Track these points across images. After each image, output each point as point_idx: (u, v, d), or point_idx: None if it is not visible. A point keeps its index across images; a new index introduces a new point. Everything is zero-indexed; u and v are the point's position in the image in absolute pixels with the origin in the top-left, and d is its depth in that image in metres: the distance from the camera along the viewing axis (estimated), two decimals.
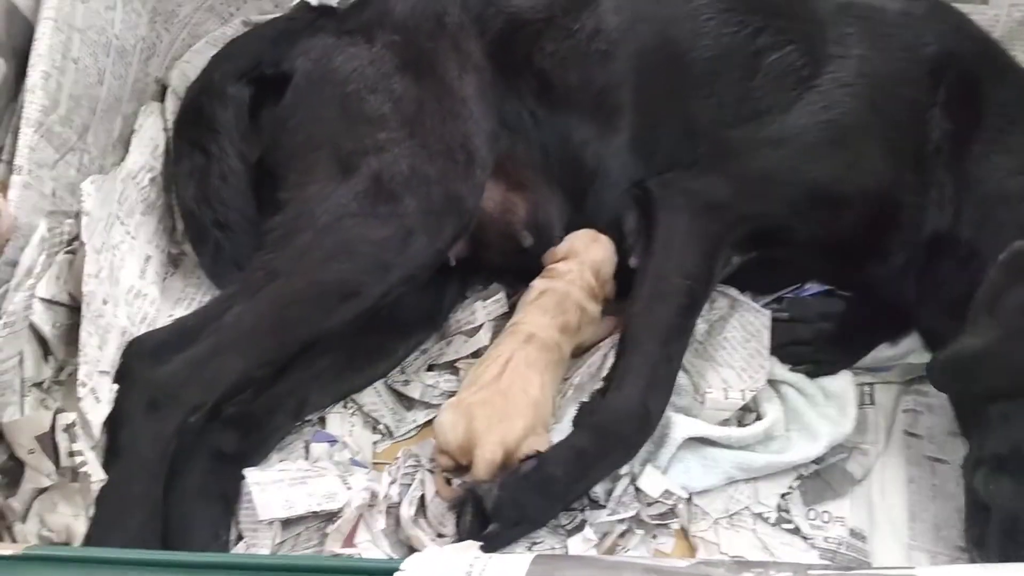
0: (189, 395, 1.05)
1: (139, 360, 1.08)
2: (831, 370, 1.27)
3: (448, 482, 1.12)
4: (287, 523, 1.06)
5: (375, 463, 1.18)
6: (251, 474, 1.05)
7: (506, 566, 0.63)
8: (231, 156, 1.29)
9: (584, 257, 1.28)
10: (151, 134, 1.32)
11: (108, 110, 1.25)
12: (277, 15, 1.46)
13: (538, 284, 1.28)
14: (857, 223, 1.24)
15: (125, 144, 1.32)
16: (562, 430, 1.16)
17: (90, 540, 0.96)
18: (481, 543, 0.99)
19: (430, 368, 1.30)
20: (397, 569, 0.64)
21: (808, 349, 1.28)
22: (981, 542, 1.06)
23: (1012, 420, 1.05)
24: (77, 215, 1.13)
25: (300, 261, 1.12)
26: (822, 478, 1.19)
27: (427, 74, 1.25)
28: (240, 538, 1.06)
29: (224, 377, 1.07)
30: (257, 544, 1.04)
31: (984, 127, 1.25)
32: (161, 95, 1.40)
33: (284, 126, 1.27)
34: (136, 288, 1.21)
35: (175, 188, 1.31)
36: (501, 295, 1.33)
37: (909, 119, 1.25)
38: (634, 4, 1.32)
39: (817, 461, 1.20)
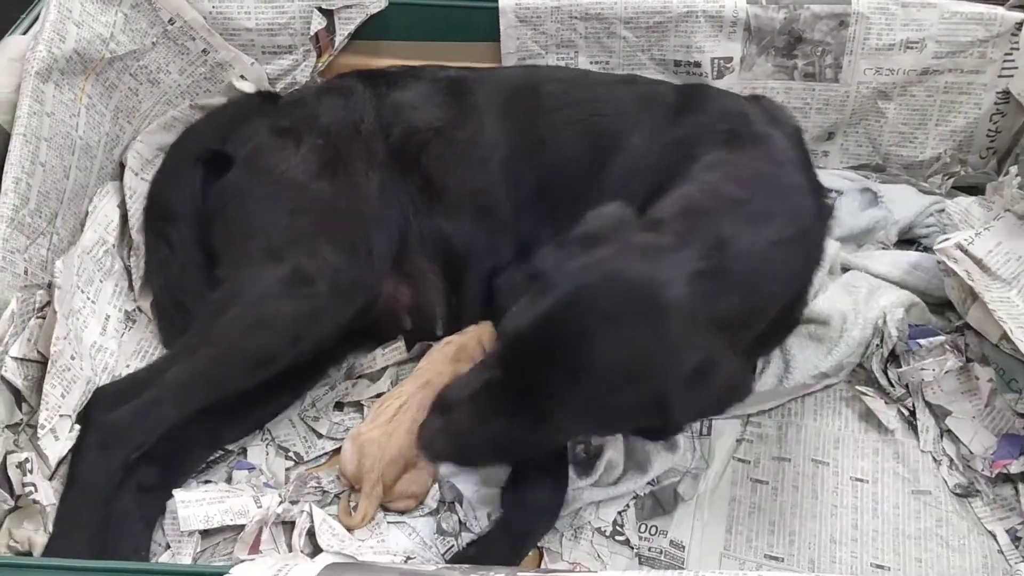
0: (133, 437, 1.29)
1: (97, 408, 1.33)
2: None
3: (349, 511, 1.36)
4: (208, 534, 1.31)
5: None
6: (179, 494, 1.29)
7: (304, 570, 0.88)
8: (189, 245, 1.55)
9: (485, 327, 1.51)
10: (105, 212, 1.57)
11: (75, 197, 1.50)
12: (223, 100, 1.73)
13: (449, 337, 1.52)
14: None
15: None
16: None
17: (49, 551, 1.20)
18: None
19: (338, 405, 1.54)
20: (227, 572, 0.89)
21: None
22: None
23: None
24: (49, 285, 1.39)
25: (228, 331, 1.35)
26: (655, 497, 1.41)
27: (341, 176, 1.49)
28: (168, 547, 1.31)
29: (161, 423, 1.30)
30: (181, 552, 1.29)
31: None
32: (119, 173, 1.64)
33: (224, 210, 1.52)
34: (98, 344, 1.47)
35: (150, 279, 1.56)
36: (400, 343, 1.57)
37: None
38: (509, 119, 1.56)
39: (652, 483, 1.41)
